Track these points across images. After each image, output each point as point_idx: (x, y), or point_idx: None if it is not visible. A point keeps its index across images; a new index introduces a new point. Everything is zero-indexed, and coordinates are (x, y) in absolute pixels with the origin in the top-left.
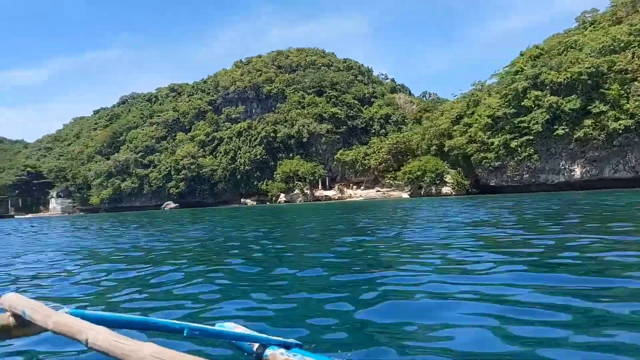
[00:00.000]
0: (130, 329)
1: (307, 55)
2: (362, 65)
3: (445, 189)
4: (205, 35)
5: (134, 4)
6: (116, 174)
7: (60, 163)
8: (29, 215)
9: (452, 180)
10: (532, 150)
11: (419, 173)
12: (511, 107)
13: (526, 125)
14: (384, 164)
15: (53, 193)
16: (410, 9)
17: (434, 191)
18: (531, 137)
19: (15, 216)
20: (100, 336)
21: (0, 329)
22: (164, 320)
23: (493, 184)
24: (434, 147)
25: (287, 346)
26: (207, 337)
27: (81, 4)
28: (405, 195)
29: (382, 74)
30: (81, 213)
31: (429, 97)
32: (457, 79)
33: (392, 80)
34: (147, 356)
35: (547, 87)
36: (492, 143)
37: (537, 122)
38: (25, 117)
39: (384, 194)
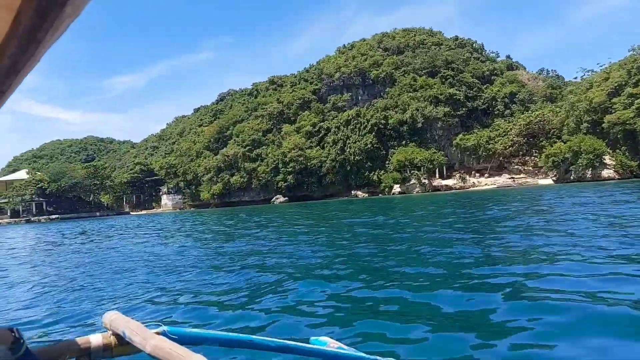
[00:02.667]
0: (227, 347)
1: (415, 35)
2: (475, 41)
3: (606, 172)
4: (291, 32)
5: (223, 7)
6: (225, 168)
7: (170, 160)
8: (143, 212)
9: (615, 162)
10: None
11: (568, 155)
12: None
13: None
14: (511, 148)
15: (164, 189)
16: None
17: (589, 175)
18: None
19: (131, 213)
20: None
21: (104, 348)
22: (260, 338)
23: None
24: (586, 124)
25: None
26: (303, 355)
27: (173, 13)
28: (546, 181)
29: (493, 52)
30: (192, 209)
31: (548, 74)
32: (559, 59)
33: (508, 57)
34: None
35: None
36: None
37: None
38: (130, 120)
39: (514, 180)
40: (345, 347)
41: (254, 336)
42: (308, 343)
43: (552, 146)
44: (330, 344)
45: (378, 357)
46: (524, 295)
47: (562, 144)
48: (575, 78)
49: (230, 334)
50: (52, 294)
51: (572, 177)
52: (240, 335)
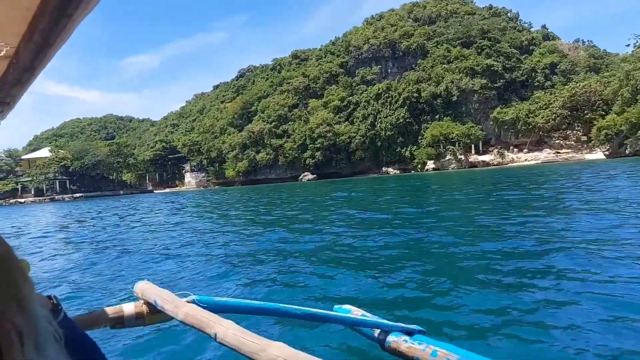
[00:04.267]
0: (255, 314)
1: (447, 4)
2: (510, 10)
3: None
4: (306, 9)
5: None
6: (250, 145)
7: (193, 137)
8: (167, 190)
9: None
10: None
11: (623, 128)
12: None
13: None
14: (553, 122)
15: (187, 167)
16: None
17: None
18: None
19: (154, 191)
20: (229, 332)
21: (136, 316)
22: (285, 305)
23: None
24: None
25: (409, 332)
26: (328, 322)
27: None
28: (593, 156)
29: (526, 22)
30: (216, 187)
31: (584, 44)
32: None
33: (544, 26)
34: (274, 356)
35: None
36: None
37: None
38: (147, 99)
39: (558, 155)
40: (369, 314)
41: (280, 304)
42: (332, 311)
43: (603, 118)
44: (354, 312)
45: (401, 324)
46: None
47: (616, 116)
48: (628, 45)
49: (258, 302)
50: (86, 265)
51: (627, 152)
52: (267, 303)
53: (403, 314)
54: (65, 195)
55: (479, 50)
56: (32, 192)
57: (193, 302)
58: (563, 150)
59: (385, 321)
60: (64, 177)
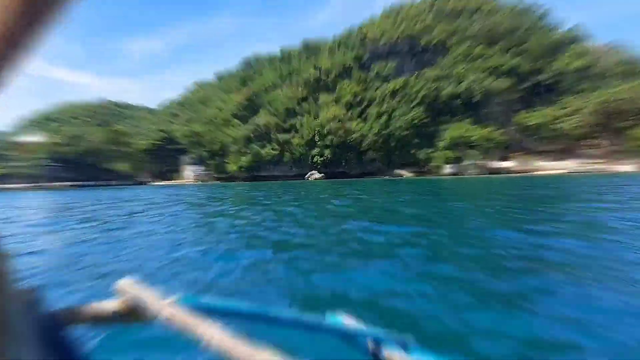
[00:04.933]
0: (241, 317)
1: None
2: (540, 7)
3: None
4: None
5: None
6: (255, 139)
7: (194, 128)
8: (164, 183)
9: None
10: None
11: None
12: None
13: None
14: (582, 129)
15: (186, 159)
16: None
17: None
18: None
19: (151, 183)
20: (216, 336)
21: (118, 314)
22: (276, 309)
23: None
24: None
25: (405, 345)
26: (318, 330)
27: None
28: (625, 167)
29: (555, 22)
30: (216, 182)
31: (616, 48)
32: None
33: (575, 26)
34: None
35: None
36: None
37: None
38: (143, 84)
39: (585, 165)
40: (363, 324)
41: (271, 308)
42: (324, 318)
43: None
44: (347, 320)
45: (397, 336)
46: None
47: None
48: None
49: (246, 304)
50: (70, 258)
51: None
52: (256, 306)
53: (399, 325)
54: (56, 183)
55: (504, 50)
56: (20, 179)
57: (179, 301)
58: (591, 160)
59: (380, 332)
60: (56, 164)
